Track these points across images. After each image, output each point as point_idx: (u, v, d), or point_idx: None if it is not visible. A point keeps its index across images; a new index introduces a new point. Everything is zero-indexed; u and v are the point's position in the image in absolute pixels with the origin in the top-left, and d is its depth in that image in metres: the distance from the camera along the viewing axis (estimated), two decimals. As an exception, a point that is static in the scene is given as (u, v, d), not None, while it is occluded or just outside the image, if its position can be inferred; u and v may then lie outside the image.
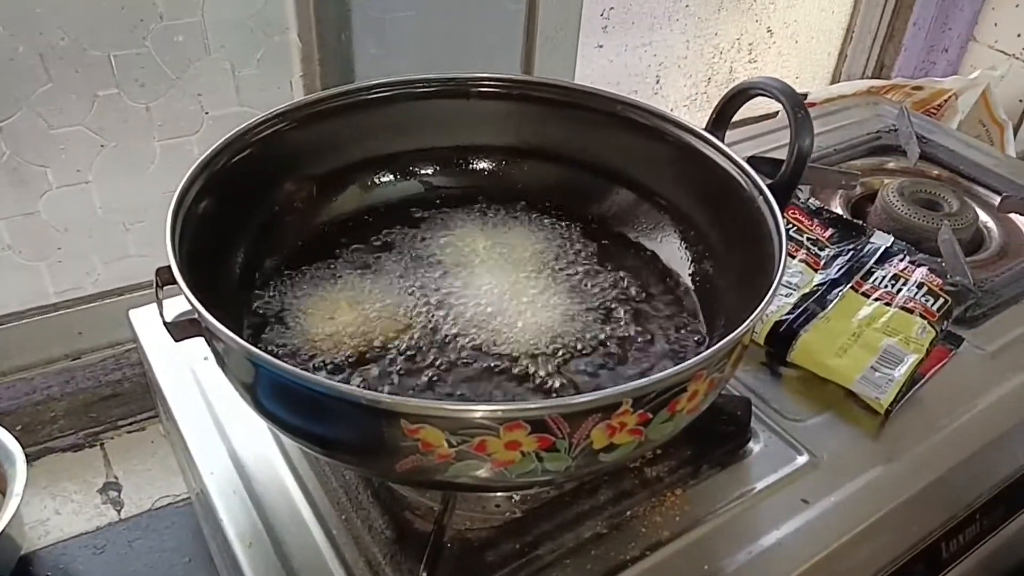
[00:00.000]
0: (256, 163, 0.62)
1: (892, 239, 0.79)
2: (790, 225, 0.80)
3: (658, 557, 0.55)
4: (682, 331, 0.63)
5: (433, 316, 0.62)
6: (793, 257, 0.77)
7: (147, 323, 0.70)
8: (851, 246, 0.78)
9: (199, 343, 0.52)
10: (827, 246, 0.78)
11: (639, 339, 0.62)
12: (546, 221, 0.72)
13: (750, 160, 0.63)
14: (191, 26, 0.84)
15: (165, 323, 0.51)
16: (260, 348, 0.45)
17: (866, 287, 0.74)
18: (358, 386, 0.55)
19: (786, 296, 0.73)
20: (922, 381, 0.69)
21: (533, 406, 0.45)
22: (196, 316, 0.49)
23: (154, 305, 0.69)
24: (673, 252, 0.69)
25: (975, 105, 1.39)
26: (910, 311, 0.71)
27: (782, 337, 0.70)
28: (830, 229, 0.80)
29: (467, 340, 0.60)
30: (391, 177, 0.73)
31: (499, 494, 0.58)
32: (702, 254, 0.67)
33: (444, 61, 0.99)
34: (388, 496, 0.57)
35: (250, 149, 0.62)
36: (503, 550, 0.55)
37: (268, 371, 0.45)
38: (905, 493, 0.61)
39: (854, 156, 1.04)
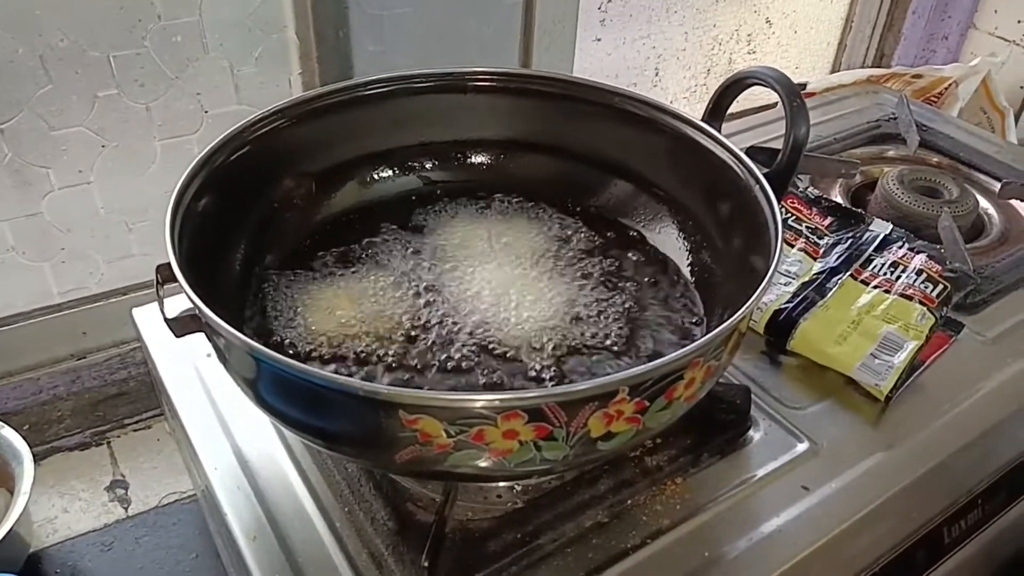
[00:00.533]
0: (255, 160, 0.63)
1: (891, 226, 0.79)
2: (789, 214, 0.80)
3: (659, 545, 0.55)
4: (680, 320, 0.63)
5: (432, 309, 0.62)
6: (792, 246, 0.77)
7: (150, 321, 0.71)
8: (850, 234, 0.78)
9: (202, 341, 0.53)
10: (826, 234, 0.78)
11: (638, 329, 0.62)
12: (544, 213, 0.72)
13: (748, 150, 0.63)
14: (189, 26, 0.84)
15: (166, 320, 0.51)
16: (260, 343, 0.46)
17: (865, 275, 0.74)
18: (357, 379, 0.56)
19: (785, 285, 0.73)
20: (922, 368, 0.69)
21: (530, 395, 0.45)
22: (197, 312, 0.50)
23: (157, 304, 0.70)
24: (671, 242, 0.69)
25: (976, 92, 1.39)
26: (909, 298, 0.71)
27: (781, 325, 0.70)
28: (829, 217, 0.80)
29: (466, 332, 0.60)
30: (390, 172, 0.74)
31: (500, 485, 0.58)
32: (700, 244, 0.67)
33: (442, 56, 0.99)
34: (390, 488, 0.58)
35: (248, 146, 0.62)
36: (505, 540, 0.55)
37: (268, 365, 0.46)
38: (906, 479, 0.61)
39: (854, 145, 1.04)
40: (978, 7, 1.56)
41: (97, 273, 0.92)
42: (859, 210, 0.83)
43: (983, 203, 0.93)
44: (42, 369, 0.91)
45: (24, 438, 0.80)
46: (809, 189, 0.84)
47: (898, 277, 0.73)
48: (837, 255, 0.76)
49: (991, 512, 0.68)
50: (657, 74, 1.32)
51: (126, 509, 0.86)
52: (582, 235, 0.70)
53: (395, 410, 0.43)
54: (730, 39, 1.37)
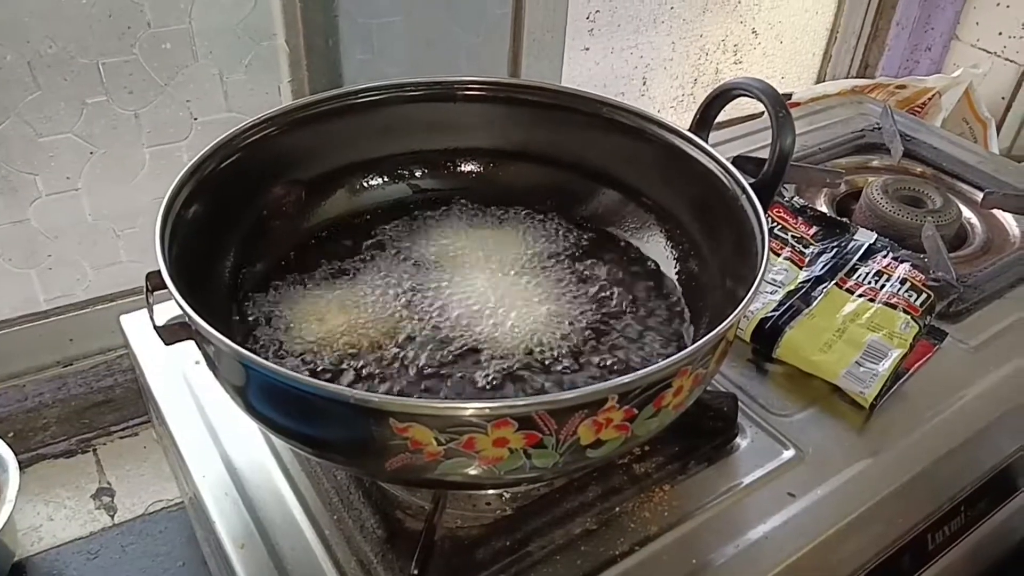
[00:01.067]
0: (245, 168, 0.63)
1: (875, 236, 0.80)
2: (775, 223, 0.81)
3: (647, 552, 0.56)
4: (668, 329, 0.64)
5: (422, 317, 0.62)
6: (778, 255, 0.78)
7: (138, 328, 0.71)
8: (835, 243, 0.79)
9: (190, 348, 0.53)
10: (811, 244, 0.79)
11: (625, 339, 0.62)
12: (533, 222, 0.73)
13: (735, 160, 0.64)
14: (179, 33, 0.84)
15: (156, 327, 0.51)
16: (250, 350, 0.46)
17: (850, 283, 0.75)
18: (347, 386, 0.56)
19: (771, 293, 0.74)
20: (906, 376, 0.70)
21: (520, 403, 0.45)
22: (186, 319, 0.50)
23: (145, 311, 0.70)
24: (659, 251, 0.70)
25: (958, 103, 1.40)
26: (894, 307, 0.72)
27: (767, 334, 0.71)
28: (814, 227, 0.81)
29: (456, 340, 0.60)
30: (379, 180, 0.74)
31: (490, 492, 0.59)
32: (687, 252, 0.68)
33: (431, 65, 1.00)
34: (379, 496, 0.58)
35: (239, 154, 0.62)
36: (494, 547, 0.55)
37: (258, 372, 0.46)
38: (890, 486, 0.62)
39: (839, 155, 1.05)
40: (960, 19, 1.58)
41: (84, 280, 0.92)
42: (844, 219, 0.84)
43: (966, 212, 0.94)
44: (28, 376, 0.91)
45: (9, 445, 0.80)
46: (795, 199, 0.85)
47: (882, 286, 0.74)
48: (822, 264, 0.76)
49: (974, 518, 0.69)
50: (645, 84, 1.33)
51: (112, 517, 0.86)
52: (571, 243, 0.71)
53: (385, 418, 0.43)
54: (717, 49, 1.38)
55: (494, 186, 0.75)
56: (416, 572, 0.51)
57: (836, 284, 0.74)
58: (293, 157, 0.68)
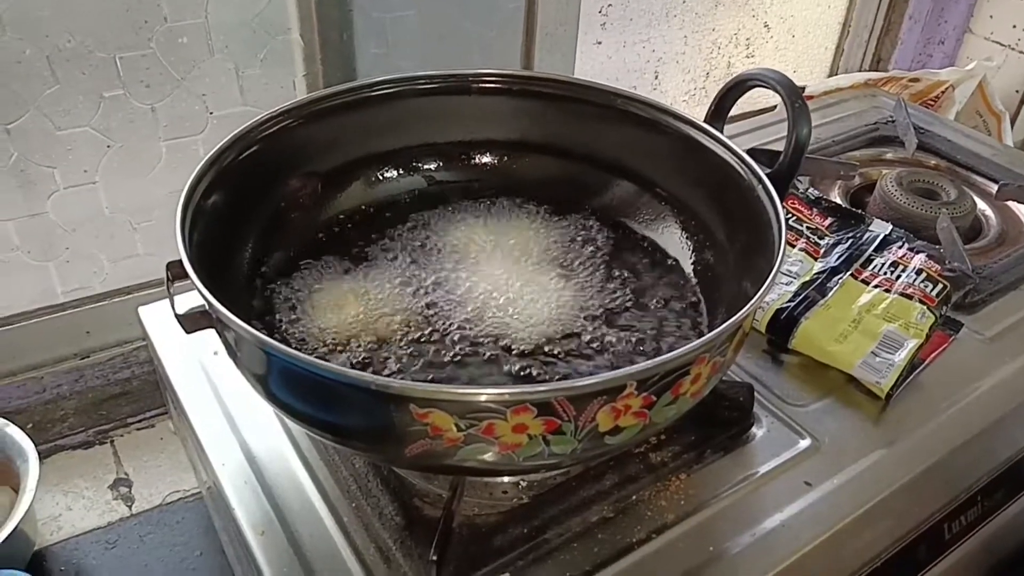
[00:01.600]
0: (263, 159, 0.64)
1: (891, 227, 0.80)
2: (789, 215, 0.81)
3: (664, 540, 0.56)
4: (684, 319, 0.64)
5: (438, 307, 0.63)
6: (793, 246, 0.78)
7: (157, 319, 0.71)
8: (850, 234, 0.79)
9: (208, 338, 0.54)
10: (826, 235, 0.79)
11: (642, 327, 0.63)
12: (548, 213, 0.73)
13: (749, 152, 0.64)
14: (195, 27, 0.85)
15: (177, 315, 0.52)
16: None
17: (865, 274, 0.75)
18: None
19: (786, 284, 0.74)
20: (922, 366, 0.70)
21: (540, 389, 0.46)
22: (207, 308, 0.50)
23: (163, 302, 0.70)
24: (674, 242, 0.70)
25: (972, 96, 1.40)
26: (909, 297, 0.72)
27: (783, 325, 0.71)
28: (829, 218, 0.81)
29: (473, 330, 0.61)
30: (395, 172, 0.74)
31: (506, 480, 0.59)
32: (703, 243, 0.68)
33: (444, 59, 1.00)
34: (397, 484, 0.58)
35: (257, 145, 0.63)
36: (511, 535, 0.56)
37: (279, 359, 0.46)
38: (906, 476, 0.62)
39: (852, 147, 1.05)
40: (974, 12, 1.57)
41: (101, 273, 0.92)
42: (859, 211, 0.84)
43: (980, 205, 0.94)
44: (46, 368, 0.92)
45: (28, 436, 0.81)
46: (809, 190, 0.85)
47: (898, 276, 0.74)
48: (838, 255, 0.76)
49: (991, 508, 0.69)
50: (657, 77, 1.33)
51: (130, 507, 0.86)
52: (586, 235, 0.71)
53: (406, 404, 0.44)
54: (729, 43, 1.38)
55: (509, 178, 0.75)
56: (435, 558, 0.51)
57: (851, 275, 0.74)
58: (310, 149, 0.68)
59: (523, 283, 0.65)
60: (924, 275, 0.73)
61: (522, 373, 0.58)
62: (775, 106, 1.31)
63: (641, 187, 0.73)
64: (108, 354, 0.94)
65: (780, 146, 0.64)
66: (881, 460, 0.63)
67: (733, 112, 0.70)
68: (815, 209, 0.82)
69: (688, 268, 0.68)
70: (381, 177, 0.74)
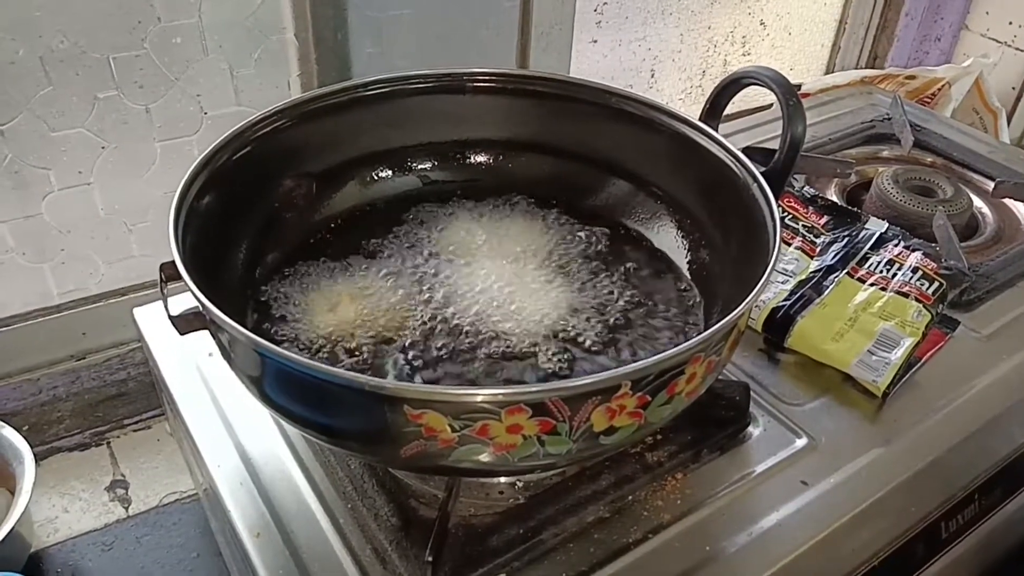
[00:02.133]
0: (257, 159, 0.63)
1: (887, 225, 0.80)
2: (785, 213, 0.81)
3: (660, 540, 0.56)
4: (680, 318, 0.64)
5: (433, 307, 0.62)
6: (789, 244, 0.78)
7: (152, 321, 0.71)
8: (846, 232, 0.79)
9: (204, 340, 0.53)
10: (822, 233, 0.79)
11: (637, 326, 0.62)
12: (543, 213, 0.73)
13: (744, 150, 0.64)
14: (189, 27, 0.84)
15: (171, 317, 0.52)
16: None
17: (862, 272, 0.75)
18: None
19: (782, 283, 0.74)
20: (919, 364, 0.70)
21: (533, 389, 0.46)
22: (201, 310, 0.50)
23: (158, 304, 0.70)
24: (670, 241, 0.70)
25: (968, 93, 1.40)
26: (905, 295, 0.71)
27: (779, 323, 0.71)
28: (825, 216, 0.81)
29: (468, 330, 0.60)
30: (389, 172, 0.74)
31: (502, 481, 0.59)
32: (698, 242, 0.68)
33: (439, 58, 1.00)
34: (393, 485, 0.58)
35: (251, 146, 0.63)
36: (507, 535, 0.56)
37: (273, 360, 0.46)
38: (903, 474, 0.62)
39: (848, 145, 1.05)
40: (970, 9, 1.57)
41: (97, 274, 0.92)
42: (855, 209, 0.84)
43: (977, 202, 0.94)
44: (41, 370, 0.91)
45: (24, 438, 0.80)
46: (805, 188, 0.85)
47: (894, 275, 0.74)
48: (834, 253, 0.76)
49: (988, 507, 0.69)
50: (653, 76, 1.32)
51: (126, 509, 0.86)
52: (581, 234, 0.71)
53: (400, 405, 0.44)
54: (725, 41, 1.38)
55: (504, 177, 0.75)
56: (431, 559, 0.51)
57: (848, 273, 0.74)
58: (304, 149, 0.68)
59: (518, 283, 0.65)
60: (920, 273, 0.73)
61: (517, 373, 0.58)
62: (771, 104, 1.31)
63: (636, 186, 0.72)
64: (104, 356, 0.93)
65: (775, 144, 0.63)
66: (878, 459, 0.63)
67: (729, 110, 0.70)
68: (811, 207, 0.82)
69: (683, 267, 0.68)
70: (376, 177, 0.73)
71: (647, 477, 0.60)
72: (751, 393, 0.65)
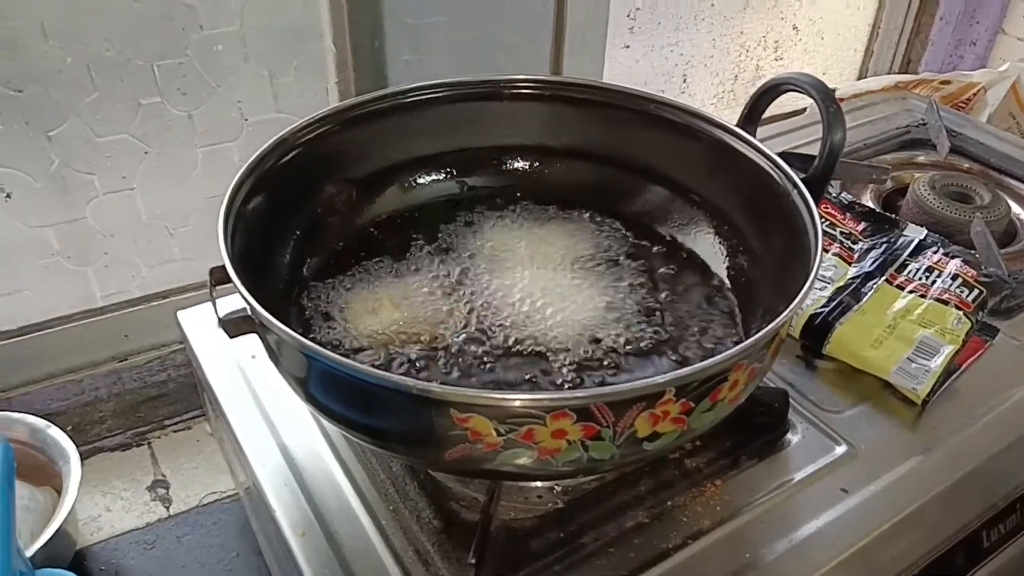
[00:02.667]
0: (301, 165, 0.65)
1: (925, 232, 0.79)
2: (823, 219, 0.80)
3: (699, 546, 0.56)
4: (719, 325, 0.64)
5: (473, 312, 0.63)
6: (827, 251, 0.77)
7: (195, 323, 0.72)
8: (884, 239, 0.78)
9: (246, 342, 0.54)
10: (860, 239, 0.79)
11: (677, 333, 0.63)
12: (581, 219, 0.74)
13: (781, 156, 0.64)
14: (230, 35, 0.86)
15: (220, 320, 0.53)
16: (311, 343, 0.47)
17: (900, 279, 0.74)
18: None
19: (820, 290, 0.74)
20: (958, 372, 0.69)
21: (579, 394, 0.46)
22: (249, 313, 0.51)
23: (201, 307, 0.72)
24: (708, 247, 0.70)
25: (1005, 98, 1.38)
26: (945, 302, 0.71)
27: (817, 330, 0.71)
28: (863, 223, 0.81)
29: (508, 336, 0.61)
30: (428, 178, 0.75)
31: (541, 485, 0.59)
32: (737, 248, 0.68)
33: (474, 65, 1.00)
34: (433, 487, 0.59)
35: (296, 150, 0.64)
36: (547, 539, 0.56)
37: (321, 363, 0.47)
38: (944, 483, 0.62)
39: (883, 151, 1.05)
40: (1007, 12, 1.55)
41: (139, 277, 0.94)
42: (893, 215, 0.84)
43: (1015, 208, 0.93)
44: (84, 371, 0.93)
45: (69, 438, 0.82)
46: (842, 195, 0.85)
47: (933, 282, 0.73)
48: (872, 260, 0.76)
49: (1030, 516, 0.68)
50: (685, 81, 1.32)
51: (167, 508, 0.88)
52: (619, 240, 0.71)
53: (446, 408, 0.44)
54: (757, 46, 1.37)
55: (541, 183, 0.76)
56: (474, 561, 0.52)
57: (886, 280, 0.74)
58: (347, 154, 0.69)
59: (557, 288, 0.65)
60: (960, 280, 0.73)
61: (560, 379, 0.58)
62: (803, 109, 1.30)
63: (674, 192, 0.73)
64: (145, 357, 0.95)
65: (809, 149, 0.63)
66: (918, 467, 0.63)
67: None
68: (848, 214, 0.82)
69: (722, 273, 0.68)
70: (415, 183, 0.74)
71: (686, 483, 0.60)
72: (790, 400, 0.65)
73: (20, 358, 0.90)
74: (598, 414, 0.45)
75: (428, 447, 0.48)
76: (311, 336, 0.61)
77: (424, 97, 0.72)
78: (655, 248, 0.71)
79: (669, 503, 0.59)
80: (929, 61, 1.55)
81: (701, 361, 0.46)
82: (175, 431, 0.97)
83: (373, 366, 0.58)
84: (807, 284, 0.50)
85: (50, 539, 0.72)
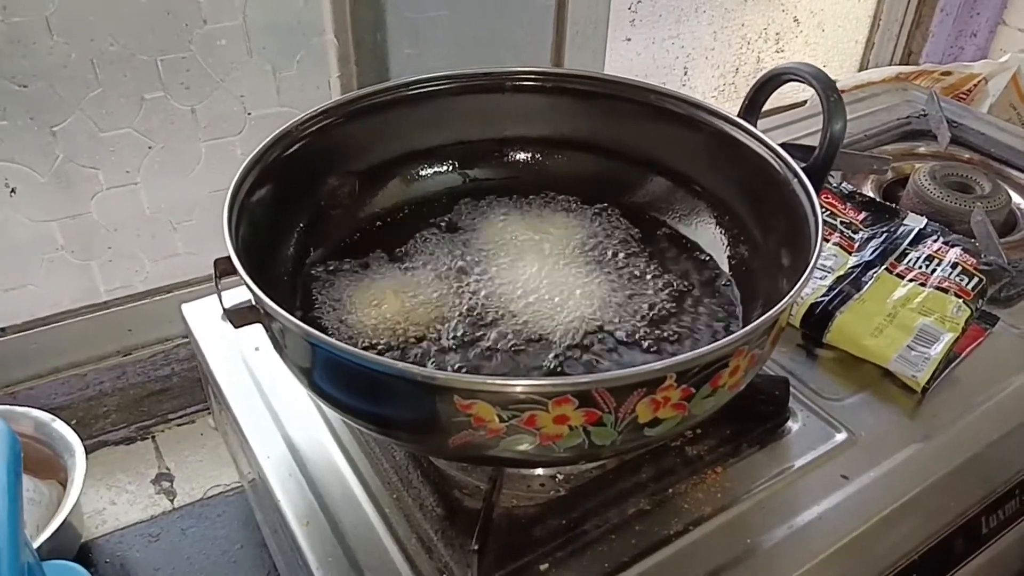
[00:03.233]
0: (304, 158, 0.65)
1: (925, 221, 0.80)
2: (823, 209, 0.80)
3: (700, 532, 0.57)
4: (720, 313, 0.64)
5: (475, 302, 0.64)
6: (827, 240, 0.78)
7: (200, 316, 0.73)
8: (885, 228, 0.79)
9: (250, 335, 0.55)
10: (861, 229, 0.79)
11: (678, 322, 0.63)
12: (583, 210, 0.74)
13: (782, 147, 0.64)
14: (233, 29, 0.86)
15: (225, 311, 0.53)
16: (315, 332, 0.47)
17: (900, 268, 0.75)
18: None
19: (821, 279, 0.74)
20: (958, 360, 0.70)
21: (580, 380, 0.46)
22: (254, 303, 0.52)
23: (205, 299, 0.72)
24: (709, 237, 0.71)
25: (1006, 89, 1.38)
26: (945, 291, 0.71)
27: (818, 319, 0.71)
28: (863, 212, 0.81)
29: (510, 325, 0.62)
30: (431, 170, 0.75)
31: (543, 473, 0.60)
32: (738, 238, 0.68)
33: (476, 58, 1.01)
34: (436, 475, 0.59)
35: (300, 143, 0.64)
36: (549, 526, 0.57)
37: (325, 351, 0.48)
38: (943, 469, 0.62)
39: (884, 142, 1.05)
40: (1008, 3, 1.55)
41: (143, 272, 0.94)
42: (893, 205, 0.84)
43: (1015, 198, 0.93)
44: (89, 365, 0.94)
45: (74, 431, 0.83)
46: (843, 184, 0.85)
47: (933, 270, 0.74)
48: (872, 249, 0.76)
49: (1030, 503, 0.69)
50: (686, 73, 1.33)
51: (172, 501, 0.88)
52: (620, 230, 0.72)
53: (450, 395, 0.45)
54: (758, 38, 1.38)
55: (543, 174, 0.76)
56: (476, 548, 0.52)
57: (886, 269, 0.74)
58: (350, 146, 0.69)
59: (558, 278, 0.66)
60: (959, 269, 0.73)
61: (562, 366, 0.59)
62: (803, 101, 1.31)
63: (675, 183, 0.73)
64: (149, 351, 0.96)
65: (810, 140, 0.64)
66: (917, 454, 0.63)
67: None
68: (849, 203, 0.82)
69: (723, 263, 0.69)
70: (418, 175, 0.75)
71: (687, 470, 0.61)
72: (790, 388, 0.66)
73: (25, 353, 0.91)
74: (600, 400, 0.45)
75: (432, 434, 0.49)
76: (314, 326, 0.61)
77: (426, 90, 0.72)
78: (656, 238, 0.71)
79: (670, 490, 0.59)
80: (930, 52, 1.55)
81: (707, 346, 0.47)
82: (179, 425, 0.98)
83: (377, 354, 0.59)
84: (807, 272, 0.51)
85: (56, 531, 0.73)
